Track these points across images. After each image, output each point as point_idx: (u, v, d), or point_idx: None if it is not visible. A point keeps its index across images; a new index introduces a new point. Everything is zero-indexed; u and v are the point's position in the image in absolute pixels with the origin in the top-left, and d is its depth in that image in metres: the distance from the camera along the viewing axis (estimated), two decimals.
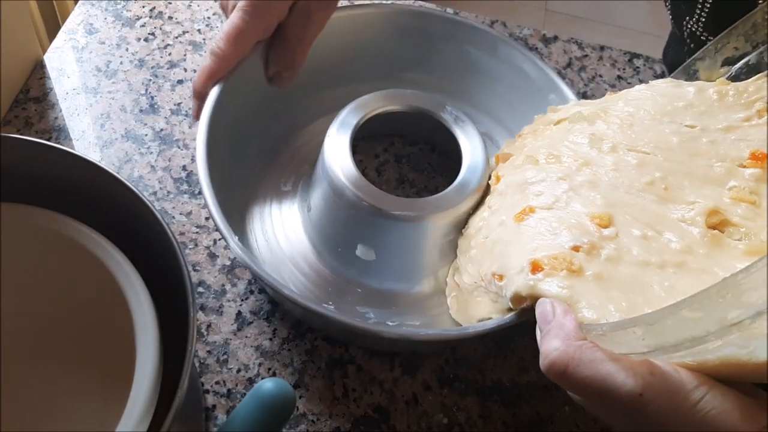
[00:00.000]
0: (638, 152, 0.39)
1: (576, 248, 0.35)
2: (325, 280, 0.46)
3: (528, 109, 0.51)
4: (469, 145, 0.48)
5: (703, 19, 0.47)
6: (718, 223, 0.34)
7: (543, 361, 0.28)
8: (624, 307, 0.31)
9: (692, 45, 0.50)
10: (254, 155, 0.50)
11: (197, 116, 0.44)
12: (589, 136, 0.41)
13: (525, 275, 0.34)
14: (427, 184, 0.53)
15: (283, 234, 0.48)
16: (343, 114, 0.47)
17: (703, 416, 0.24)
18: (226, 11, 0.45)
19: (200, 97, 0.44)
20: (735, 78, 0.40)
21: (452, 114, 0.49)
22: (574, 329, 0.29)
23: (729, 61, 0.40)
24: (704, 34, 0.48)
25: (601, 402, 0.27)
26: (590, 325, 0.29)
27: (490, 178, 0.46)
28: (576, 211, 0.37)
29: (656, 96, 0.41)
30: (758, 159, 0.35)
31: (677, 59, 0.52)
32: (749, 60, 0.39)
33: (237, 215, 0.47)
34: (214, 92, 0.43)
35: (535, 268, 0.34)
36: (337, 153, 0.45)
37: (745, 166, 0.36)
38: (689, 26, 0.49)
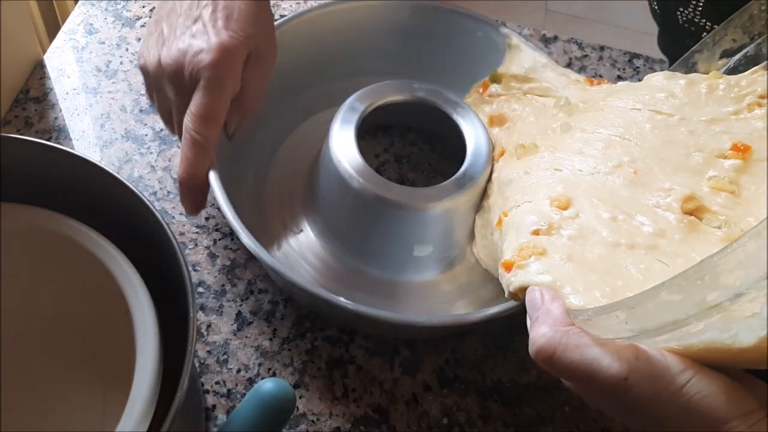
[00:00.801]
0: (605, 136, 0.39)
1: (536, 232, 0.35)
2: (384, 290, 0.46)
3: (465, 59, 0.52)
4: (468, 126, 0.48)
5: (701, 6, 0.47)
6: (694, 209, 0.35)
7: (531, 347, 0.28)
8: (607, 292, 0.31)
9: (692, 29, 0.50)
10: (242, 207, 0.46)
11: (195, 211, 0.42)
12: (562, 122, 0.41)
13: (505, 278, 0.35)
14: (427, 183, 0.53)
15: (316, 267, 0.47)
16: (342, 111, 0.47)
17: (688, 400, 0.24)
18: (158, 93, 0.42)
19: (193, 190, 0.41)
20: (733, 70, 0.40)
21: (422, 89, 0.49)
22: (562, 315, 0.29)
23: (727, 53, 0.41)
24: (702, 20, 0.48)
25: (587, 386, 0.27)
26: (576, 310, 0.30)
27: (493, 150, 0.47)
28: (537, 198, 0.38)
29: (638, 87, 0.41)
30: (740, 150, 0.36)
31: (673, 48, 0.52)
32: (747, 51, 0.40)
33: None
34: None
35: (507, 267, 0.35)
36: (344, 149, 0.45)
37: (725, 157, 0.36)
38: (686, 14, 0.49)
